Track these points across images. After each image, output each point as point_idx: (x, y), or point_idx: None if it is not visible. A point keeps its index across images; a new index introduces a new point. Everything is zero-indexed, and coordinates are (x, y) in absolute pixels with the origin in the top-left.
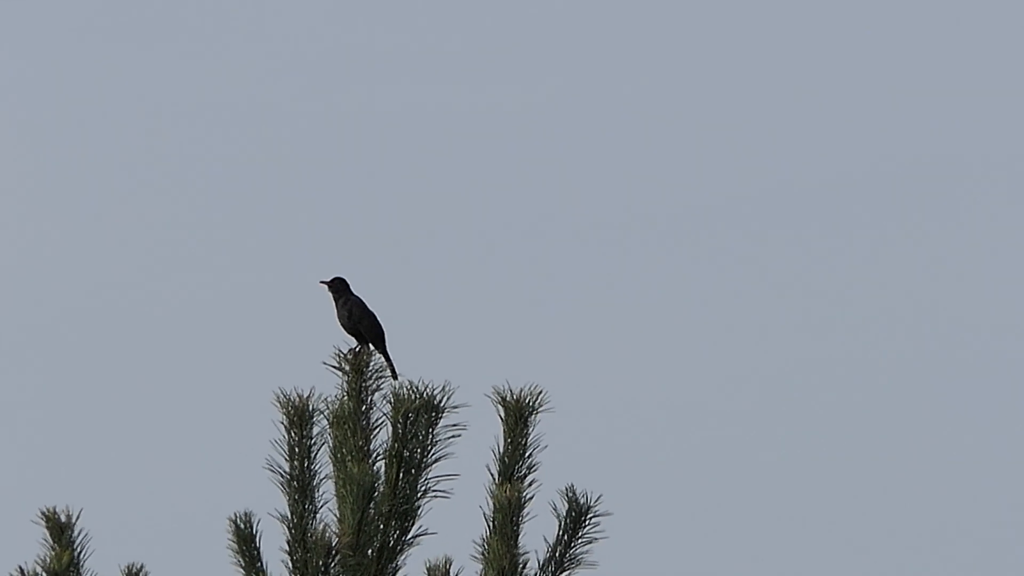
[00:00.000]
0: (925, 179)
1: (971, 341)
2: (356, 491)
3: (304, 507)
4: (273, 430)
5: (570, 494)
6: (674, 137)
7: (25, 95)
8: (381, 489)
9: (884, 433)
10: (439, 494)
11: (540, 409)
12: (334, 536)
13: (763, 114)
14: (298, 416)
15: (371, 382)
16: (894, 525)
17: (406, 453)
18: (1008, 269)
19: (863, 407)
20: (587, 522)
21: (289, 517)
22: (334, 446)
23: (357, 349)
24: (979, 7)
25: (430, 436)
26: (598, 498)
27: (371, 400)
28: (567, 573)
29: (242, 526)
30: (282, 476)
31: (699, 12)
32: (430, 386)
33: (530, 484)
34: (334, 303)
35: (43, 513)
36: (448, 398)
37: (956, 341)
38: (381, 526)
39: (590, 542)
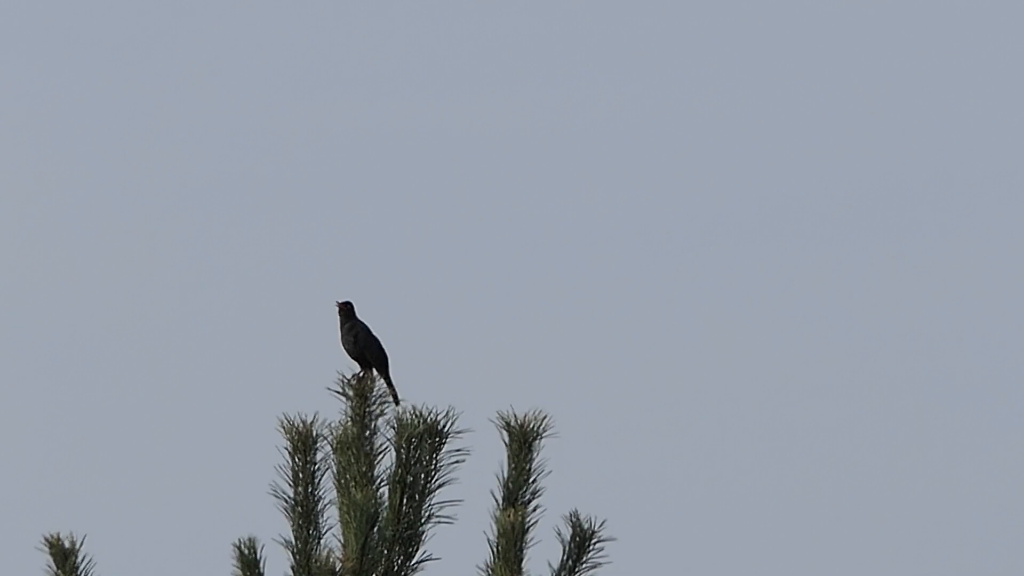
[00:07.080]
0: (907, 196)
1: (964, 351)
2: (360, 516)
3: (308, 532)
4: (277, 456)
5: (574, 519)
6: (673, 154)
7: (24, 106)
8: (385, 514)
9: (890, 452)
10: (443, 519)
11: (544, 434)
12: (338, 561)
13: (758, 126)
14: (302, 442)
15: (375, 407)
16: (891, 545)
17: (410, 478)
18: (998, 279)
19: (874, 429)
20: (591, 547)
21: (293, 542)
22: (338, 471)
23: (360, 374)
24: (956, 20)
25: (434, 461)
26: (602, 523)
27: (375, 425)
28: None
29: (246, 551)
30: (286, 502)
31: (691, 15)
32: (433, 411)
33: (534, 509)
34: (339, 327)
35: (47, 539)
36: (452, 423)
37: (953, 351)
38: (385, 551)
39: (594, 567)
